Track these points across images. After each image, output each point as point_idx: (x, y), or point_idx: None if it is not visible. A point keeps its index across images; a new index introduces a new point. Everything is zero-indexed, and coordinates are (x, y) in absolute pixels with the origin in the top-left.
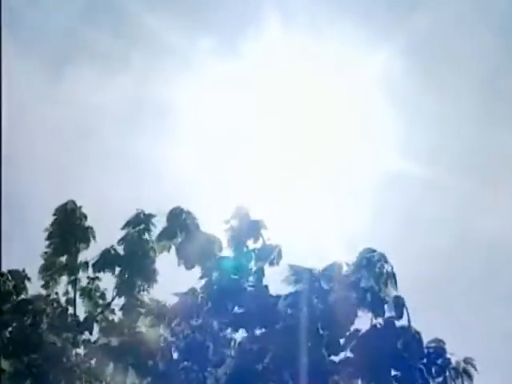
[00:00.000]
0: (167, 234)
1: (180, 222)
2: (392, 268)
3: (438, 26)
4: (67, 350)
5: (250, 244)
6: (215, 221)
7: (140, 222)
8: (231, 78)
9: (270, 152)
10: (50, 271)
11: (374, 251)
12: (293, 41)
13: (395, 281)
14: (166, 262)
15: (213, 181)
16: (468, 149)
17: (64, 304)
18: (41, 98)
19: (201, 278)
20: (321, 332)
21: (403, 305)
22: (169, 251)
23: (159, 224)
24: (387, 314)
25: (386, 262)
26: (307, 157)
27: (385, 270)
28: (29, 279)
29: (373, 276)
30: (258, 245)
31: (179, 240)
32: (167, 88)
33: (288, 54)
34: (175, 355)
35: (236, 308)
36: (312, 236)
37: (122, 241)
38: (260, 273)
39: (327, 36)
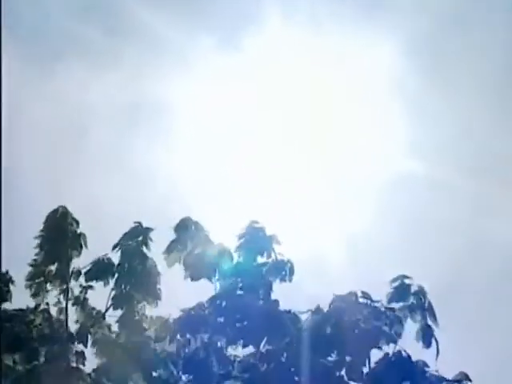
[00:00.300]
0: (177, 246)
1: (189, 234)
2: (430, 302)
3: (449, 19)
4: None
5: (262, 259)
6: (216, 225)
7: (138, 234)
8: (232, 74)
9: (273, 152)
10: (39, 279)
11: (408, 279)
12: (297, 37)
13: (433, 313)
14: (167, 272)
15: (215, 183)
16: (479, 148)
17: (55, 314)
18: (29, 97)
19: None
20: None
21: (432, 335)
22: (180, 263)
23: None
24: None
25: (424, 294)
26: (312, 157)
27: (422, 303)
28: (12, 282)
29: (409, 309)
30: (270, 259)
31: (187, 251)
32: (166, 86)
33: (292, 49)
34: (178, 371)
35: (243, 323)
36: (320, 242)
37: (117, 248)
38: (268, 288)
39: (333, 30)
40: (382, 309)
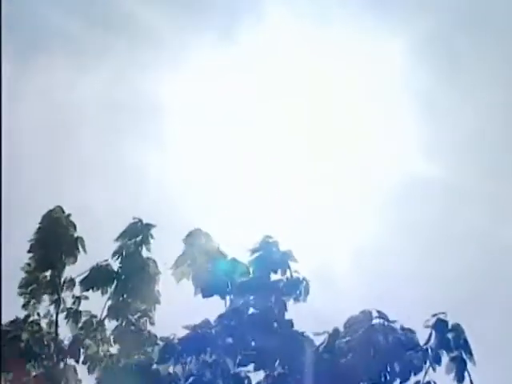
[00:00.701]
0: (186, 260)
1: (200, 246)
2: (466, 338)
3: (466, 12)
4: None
5: (276, 276)
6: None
7: (137, 232)
8: (232, 69)
9: (277, 156)
10: (30, 287)
11: (445, 321)
12: (301, 31)
13: (469, 350)
14: (170, 283)
15: (217, 188)
16: (500, 150)
17: (45, 327)
18: (10, 95)
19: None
20: None
21: (465, 368)
22: (188, 279)
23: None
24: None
25: (461, 332)
26: (318, 159)
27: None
28: None
29: (445, 347)
30: (284, 277)
31: (197, 265)
32: (166, 82)
33: (298, 45)
34: None
35: (255, 344)
36: (326, 254)
37: (116, 254)
38: (283, 307)
39: (342, 24)
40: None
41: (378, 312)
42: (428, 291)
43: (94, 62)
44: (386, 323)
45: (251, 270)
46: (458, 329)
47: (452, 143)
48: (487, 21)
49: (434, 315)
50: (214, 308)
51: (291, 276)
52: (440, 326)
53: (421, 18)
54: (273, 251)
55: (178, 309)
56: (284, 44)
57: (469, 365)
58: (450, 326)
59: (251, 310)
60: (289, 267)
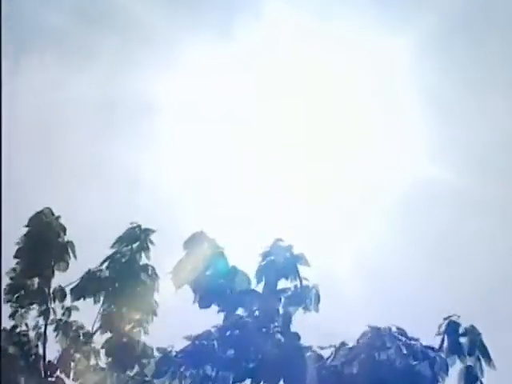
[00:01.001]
0: (187, 265)
1: (202, 251)
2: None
3: (478, 9)
4: None
5: (283, 283)
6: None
7: (135, 238)
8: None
9: (280, 156)
10: (16, 294)
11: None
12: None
13: (488, 355)
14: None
15: (216, 189)
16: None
17: (34, 340)
18: None
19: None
20: None
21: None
22: (189, 285)
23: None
24: None
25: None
26: (321, 161)
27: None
28: None
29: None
30: (293, 285)
31: (198, 271)
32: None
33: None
34: None
35: (257, 358)
36: (330, 262)
37: (110, 261)
38: (288, 318)
39: (343, 20)
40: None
41: (398, 329)
42: (437, 297)
43: (85, 60)
44: (406, 341)
45: (259, 276)
46: (473, 332)
47: (460, 144)
48: (497, 15)
49: (447, 318)
50: (215, 317)
51: (300, 283)
52: (453, 329)
53: (427, 13)
54: (283, 256)
55: (177, 318)
56: (282, 40)
57: (487, 370)
58: (463, 330)
59: (254, 321)
60: (298, 274)
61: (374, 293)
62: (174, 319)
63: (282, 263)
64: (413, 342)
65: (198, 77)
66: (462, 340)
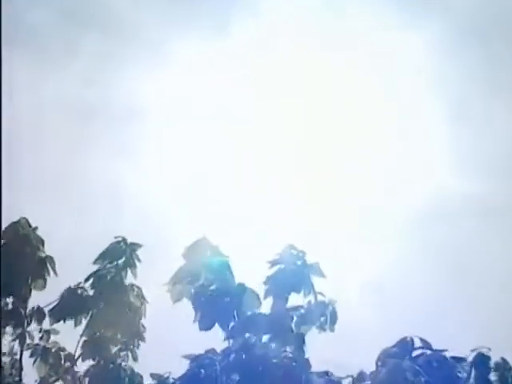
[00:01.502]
0: (186, 275)
1: (203, 261)
2: None
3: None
4: None
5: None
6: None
7: (120, 253)
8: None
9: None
10: None
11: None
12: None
13: None
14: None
15: (213, 194)
16: None
17: (7, 368)
18: None
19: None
20: None
21: None
22: (189, 298)
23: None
24: None
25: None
26: (340, 172)
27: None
28: None
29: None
30: (306, 300)
31: (198, 284)
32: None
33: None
34: None
35: None
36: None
37: (92, 278)
38: (301, 341)
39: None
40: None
41: (422, 340)
42: (462, 322)
43: (62, 59)
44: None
45: (268, 291)
46: (504, 366)
47: (485, 158)
48: None
49: (474, 350)
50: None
51: (315, 298)
52: (481, 362)
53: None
54: (295, 265)
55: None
56: (280, 40)
57: None
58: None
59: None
60: (313, 288)
61: (386, 316)
62: (170, 336)
63: (293, 273)
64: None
65: (189, 79)
66: (492, 376)
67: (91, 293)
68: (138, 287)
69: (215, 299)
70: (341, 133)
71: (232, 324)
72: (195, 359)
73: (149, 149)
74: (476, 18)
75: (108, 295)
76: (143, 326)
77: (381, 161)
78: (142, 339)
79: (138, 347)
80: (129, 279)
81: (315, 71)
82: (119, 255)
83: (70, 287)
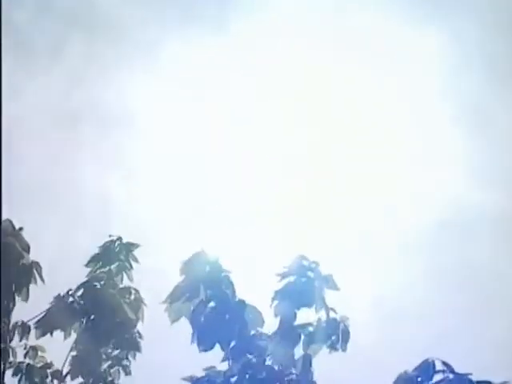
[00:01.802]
0: (185, 292)
1: (204, 276)
2: None
3: None
4: None
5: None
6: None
7: (114, 256)
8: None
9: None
10: None
11: None
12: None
13: None
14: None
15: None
16: None
17: None
18: None
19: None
20: None
21: None
22: (187, 317)
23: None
24: None
25: None
26: (351, 182)
27: None
28: None
29: None
30: (317, 317)
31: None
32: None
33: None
34: None
35: None
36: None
37: (83, 285)
38: (308, 360)
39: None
40: None
41: (443, 363)
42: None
43: (45, 61)
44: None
45: (276, 308)
46: None
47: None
48: None
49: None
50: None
51: (327, 315)
52: None
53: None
54: (307, 277)
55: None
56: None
57: None
58: None
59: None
60: (325, 303)
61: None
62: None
63: (304, 286)
64: None
65: (182, 81)
66: None
67: (82, 302)
68: (136, 289)
69: (214, 318)
70: (348, 140)
71: (233, 343)
72: (196, 382)
73: (140, 154)
74: (500, 14)
75: (100, 304)
76: (139, 333)
77: (393, 171)
78: (138, 349)
79: (134, 357)
80: (126, 283)
81: (322, 72)
82: (114, 257)
83: (59, 295)
